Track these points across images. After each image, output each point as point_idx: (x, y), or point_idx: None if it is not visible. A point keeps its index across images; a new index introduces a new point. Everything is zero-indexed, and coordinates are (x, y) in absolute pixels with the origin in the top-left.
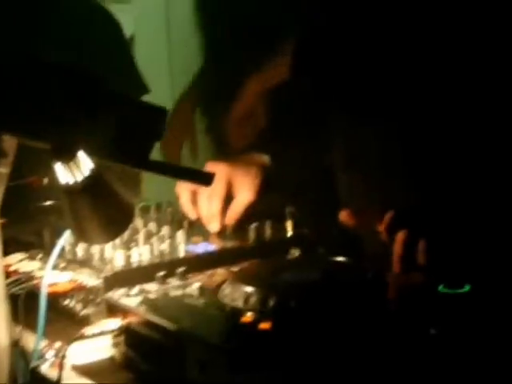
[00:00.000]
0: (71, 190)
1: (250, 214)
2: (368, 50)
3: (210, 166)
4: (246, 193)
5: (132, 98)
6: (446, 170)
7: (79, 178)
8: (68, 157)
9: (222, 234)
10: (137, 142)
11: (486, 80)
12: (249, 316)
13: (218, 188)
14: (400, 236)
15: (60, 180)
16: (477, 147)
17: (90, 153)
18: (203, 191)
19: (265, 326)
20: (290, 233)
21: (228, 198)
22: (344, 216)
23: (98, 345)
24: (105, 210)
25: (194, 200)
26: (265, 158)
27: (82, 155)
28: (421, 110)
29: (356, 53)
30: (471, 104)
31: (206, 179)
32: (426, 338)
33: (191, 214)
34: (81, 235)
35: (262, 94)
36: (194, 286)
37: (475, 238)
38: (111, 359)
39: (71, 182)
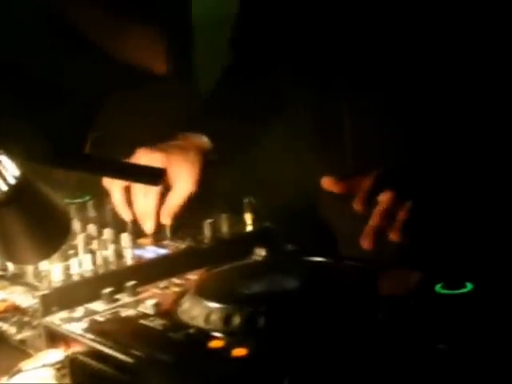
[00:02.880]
0: None
1: (191, 208)
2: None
3: (143, 155)
4: (184, 183)
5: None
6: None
7: (3, 187)
8: None
9: (158, 234)
10: (69, 138)
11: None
12: (218, 340)
13: None
14: (383, 200)
15: None
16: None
17: (15, 157)
18: (138, 186)
19: (240, 352)
20: (249, 227)
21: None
22: (327, 183)
23: (39, 378)
24: (37, 223)
25: (128, 197)
26: (203, 140)
27: (4, 160)
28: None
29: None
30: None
31: (156, 177)
32: (431, 354)
33: (125, 215)
34: (9, 255)
35: None
36: (149, 303)
37: (474, 220)
38: None
39: None
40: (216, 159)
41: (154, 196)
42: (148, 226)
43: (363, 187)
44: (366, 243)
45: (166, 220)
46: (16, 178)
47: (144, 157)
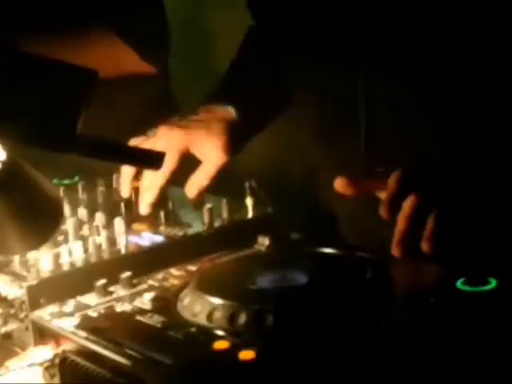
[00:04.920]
0: None
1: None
2: None
3: (162, 132)
4: (212, 156)
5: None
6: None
7: None
8: None
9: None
10: (59, 118)
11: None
12: (223, 341)
13: (167, 159)
14: (408, 204)
15: None
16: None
17: (2, 139)
18: None
19: (247, 355)
20: (250, 213)
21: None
22: (340, 185)
23: (26, 378)
24: (26, 211)
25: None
26: (228, 110)
27: None
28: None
29: None
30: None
31: (155, 161)
32: (453, 359)
33: (124, 190)
34: None
35: None
36: (146, 297)
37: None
38: None
39: None
40: (243, 129)
41: (161, 173)
42: (146, 200)
43: (387, 192)
44: (396, 251)
45: (192, 192)
46: (3, 162)
47: (163, 137)
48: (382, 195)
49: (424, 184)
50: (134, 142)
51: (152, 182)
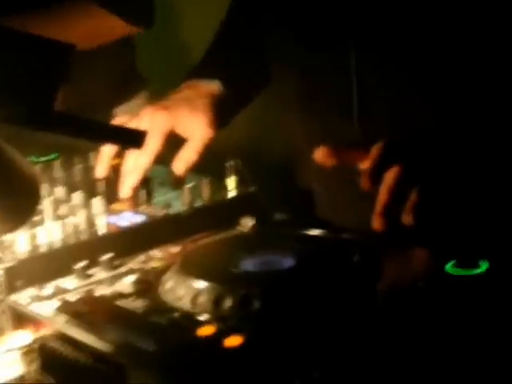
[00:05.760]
0: None
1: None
2: None
3: (146, 113)
4: (197, 132)
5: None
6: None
7: None
8: None
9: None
10: (35, 94)
11: None
12: (209, 327)
13: (151, 142)
14: (390, 175)
15: None
16: None
17: None
18: None
19: (233, 341)
20: (233, 192)
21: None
22: (320, 154)
23: (4, 363)
24: (2, 191)
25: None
26: (212, 85)
27: None
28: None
29: None
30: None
31: (136, 140)
32: (445, 343)
33: (100, 170)
34: None
35: None
36: (127, 280)
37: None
38: (21, 379)
39: None
40: (229, 103)
41: (146, 155)
42: (129, 183)
43: (370, 162)
44: (377, 223)
45: (180, 169)
46: None
47: (146, 118)
48: (364, 165)
49: (407, 156)
50: (116, 122)
51: (136, 164)
